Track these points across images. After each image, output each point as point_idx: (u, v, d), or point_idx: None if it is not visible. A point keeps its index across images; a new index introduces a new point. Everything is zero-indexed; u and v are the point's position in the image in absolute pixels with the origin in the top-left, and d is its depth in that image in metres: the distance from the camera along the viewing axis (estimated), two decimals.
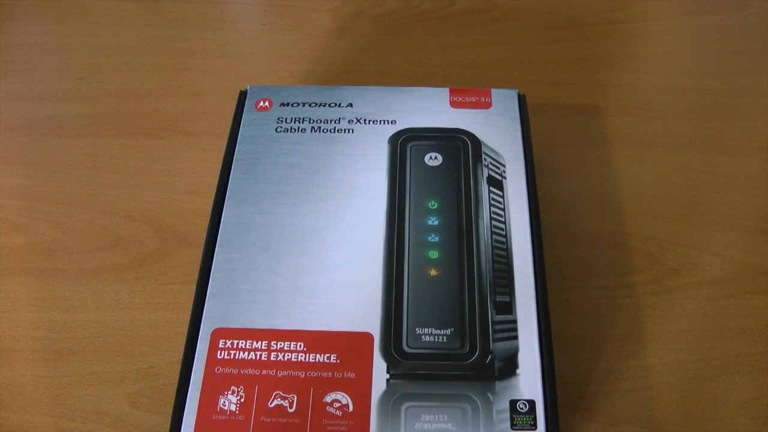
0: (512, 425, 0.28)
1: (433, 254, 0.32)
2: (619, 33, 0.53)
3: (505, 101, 0.38)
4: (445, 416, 0.28)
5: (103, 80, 0.50)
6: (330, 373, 0.29)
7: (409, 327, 0.30)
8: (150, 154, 0.45)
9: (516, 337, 0.30)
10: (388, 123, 0.37)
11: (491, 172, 0.35)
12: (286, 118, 0.37)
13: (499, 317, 0.30)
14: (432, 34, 0.53)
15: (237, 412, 0.28)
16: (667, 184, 0.44)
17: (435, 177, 0.35)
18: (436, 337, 0.30)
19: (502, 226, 0.33)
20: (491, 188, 0.34)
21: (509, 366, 0.29)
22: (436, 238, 0.33)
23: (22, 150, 0.46)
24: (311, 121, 0.37)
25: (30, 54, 0.52)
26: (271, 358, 0.29)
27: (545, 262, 0.33)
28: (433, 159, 0.35)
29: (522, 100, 0.38)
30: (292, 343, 0.30)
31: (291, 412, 0.28)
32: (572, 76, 0.50)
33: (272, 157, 0.36)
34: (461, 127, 0.37)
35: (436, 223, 0.33)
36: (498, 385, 0.29)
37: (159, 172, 0.44)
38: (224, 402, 0.28)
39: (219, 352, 0.30)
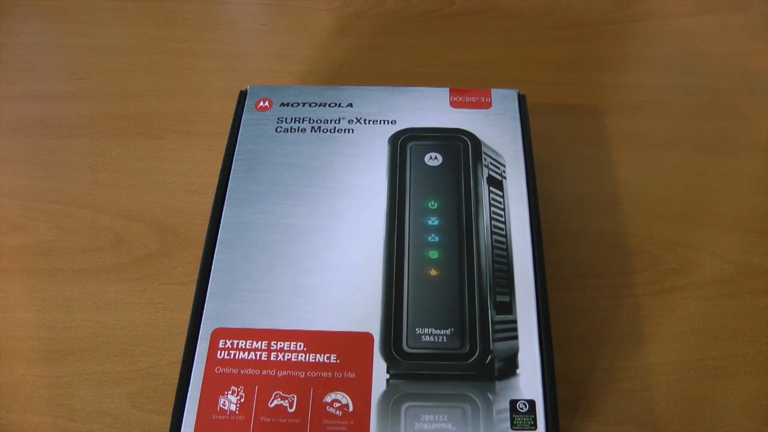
0: (512, 425, 0.28)
1: (433, 254, 0.32)
2: (619, 33, 0.53)
3: (505, 101, 0.38)
4: (445, 416, 0.28)
5: (103, 80, 0.50)
6: (330, 373, 0.29)
7: (409, 327, 0.30)
8: (150, 154, 0.45)
9: (516, 337, 0.30)
10: (388, 123, 0.37)
11: (491, 172, 0.35)
12: (286, 118, 0.37)
13: (499, 317, 0.30)
14: (432, 34, 0.53)
15: (237, 412, 0.28)
16: (667, 184, 0.44)
17: (435, 177, 0.35)
18: (436, 337, 0.30)
19: (502, 226, 0.33)
20: (491, 188, 0.34)
21: (509, 366, 0.29)
22: (436, 238, 0.33)
23: (22, 150, 0.46)
24: (311, 121, 0.37)
25: (30, 54, 0.52)
26: (271, 358, 0.29)
27: (545, 262, 0.33)
28: (433, 159, 0.35)
29: (522, 100, 0.38)
30: (292, 343, 0.30)
31: (291, 412, 0.28)
32: (572, 76, 0.50)
33: (272, 157, 0.36)
34: (461, 127, 0.37)
35: (436, 223, 0.33)
36: (498, 385, 0.29)
37: (159, 172, 0.44)
38: (224, 402, 0.28)
39: (219, 352, 0.30)
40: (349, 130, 0.37)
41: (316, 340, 0.30)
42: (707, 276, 0.39)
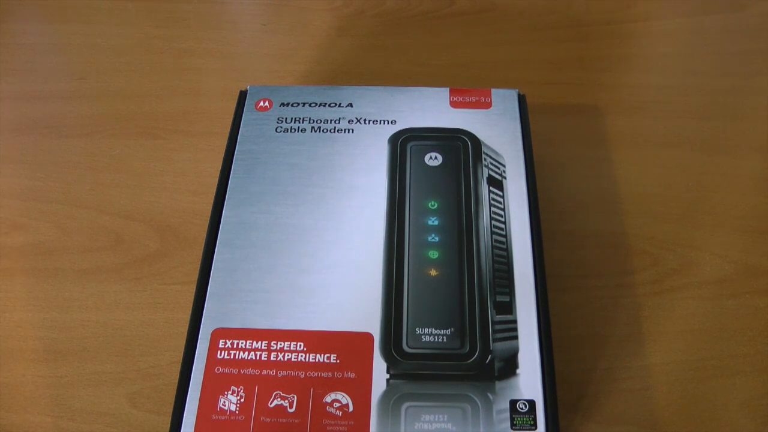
0: (512, 425, 0.28)
1: (433, 254, 0.32)
2: (619, 33, 0.53)
3: (505, 101, 0.38)
4: (445, 416, 0.28)
5: (103, 80, 0.50)
6: (330, 373, 0.29)
7: (409, 327, 0.30)
8: (150, 154, 0.45)
9: (516, 337, 0.30)
10: (388, 123, 0.37)
11: (491, 172, 0.35)
12: (286, 118, 0.37)
13: (499, 317, 0.30)
14: (432, 34, 0.53)
15: (237, 412, 0.28)
16: (667, 184, 0.44)
17: (435, 177, 0.35)
18: (436, 337, 0.30)
19: (502, 226, 0.33)
20: (491, 188, 0.34)
21: (509, 366, 0.29)
22: (436, 238, 0.33)
23: (22, 150, 0.46)
24: (311, 121, 0.37)
25: (30, 54, 0.52)
26: (271, 358, 0.29)
27: (545, 262, 0.33)
28: (433, 159, 0.35)
29: (522, 100, 0.38)
30: (292, 343, 0.30)
31: (291, 412, 0.28)
32: (572, 76, 0.50)
33: (272, 157, 0.36)
34: (461, 127, 0.37)
35: (436, 223, 0.33)
36: (498, 385, 0.29)
37: (159, 172, 0.44)
38: (224, 402, 0.28)
39: (219, 352, 0.30)
40: (349, 130, 0.37)
41: (316, 340, 0.30)
42: (707, 276, 0.39)
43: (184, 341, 0.30)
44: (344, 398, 0.28)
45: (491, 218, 0.33)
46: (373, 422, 0.28)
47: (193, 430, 0.28)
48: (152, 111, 0.48)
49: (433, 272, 0.32)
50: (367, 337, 0.30)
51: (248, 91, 0.39)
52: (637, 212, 0.42)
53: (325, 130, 0.37)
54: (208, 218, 0.34)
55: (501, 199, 0.34)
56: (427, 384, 0.29)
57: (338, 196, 0.34)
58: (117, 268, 0.40)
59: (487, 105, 0.38)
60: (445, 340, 0.30)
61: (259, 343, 0.30)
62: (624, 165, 0.44)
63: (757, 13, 0.55)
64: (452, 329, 0.30)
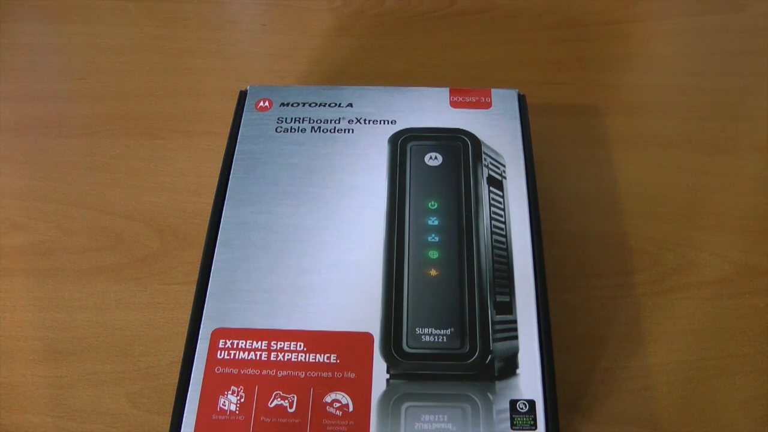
0: (512, 425, 0.28)
1: (433, 254, 0.32)
2: (619, 33, 0.53)
3: (505, 101, 0.38)
4: (445, 416, 0.28)
5: (103, 80, 0.50)
6: (330, 373, 0.29)
7: (409, 327, 0.30)
8: (150, 154, 0.45)
9: (516, 337, 0.30)
10: (388, 123, 0.37)
11: (491, 172, 0.35)
12: (286, 118, 0.37)
13: (499, 317, 0.30)
14: (432, 34, 0.53)
15: (237, 412, 0.28)
16: (667, 184, 0.44)
17: (435, 177, 0.35)
18: (436, 337, 0.30)
19: (502, 226, 0.33)
20: (491, 188, 0.34)
21: (509, 366, 0.29)
22: (436, 238, 0.33)
23: (22, 150, 0.46)
24: (311, 121, 0.37)
25: (30, 54, 0.52)
26: (271, 358, 0.29)
27: (545, 262, 0.33)
28: (433, 159, 0.35)
29: (522, 100, 0.38)
30: (292, 343, 0.30)
31: (291, 412, 0.28)
32: (572, 76, 0.50)
33: (272, 157, 0.36)
34: (461, 127, 0.37)
35: (436, 223, 0.33)
36: (498, 385, 0.29)
37: (159, 172, 0.44)
38: (224, 402, 0.28)
39: (219, 352, 0.30)
40: (349, 130, 0.37)
41: (316, 340, 0.30)
42: (707, 276, 0.39)
43: (184, 341, 0.30)
44: (344, 398, 0.28)
45: (491, 218, 0.33)
46: (373, 422, 0.28)
47: (193, 430, 0.28)
48: (152, 111, 0.48)
49: (433, 272, 0.32)
50: (367, 337, 0.30)
51: (248, 91, 0.39)
52: (637, 212, 0.42)
53: (325, 130, 0.37)
54: (208, 218, 0.34)
55: (501, 199, 0.34)
56: (427, 384, 0.29)
57: (338, 196, 0.34)
58: (117, 268, 0.40)
59: (487, 105, 0.38)
60: (445, 340, 0.30)
61: (259, 343, 0.30)
62: (624, 165, 0.44)
63: (757, 13, 0.55)
64: (452, 329, 0.30)
